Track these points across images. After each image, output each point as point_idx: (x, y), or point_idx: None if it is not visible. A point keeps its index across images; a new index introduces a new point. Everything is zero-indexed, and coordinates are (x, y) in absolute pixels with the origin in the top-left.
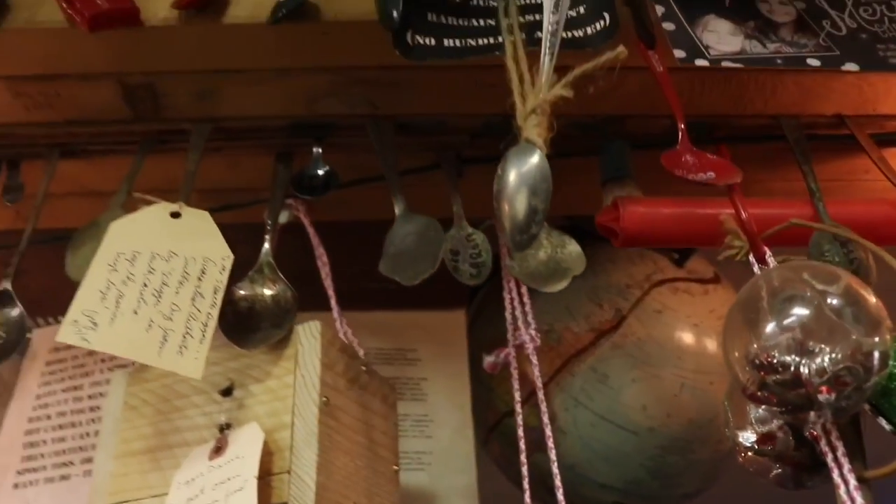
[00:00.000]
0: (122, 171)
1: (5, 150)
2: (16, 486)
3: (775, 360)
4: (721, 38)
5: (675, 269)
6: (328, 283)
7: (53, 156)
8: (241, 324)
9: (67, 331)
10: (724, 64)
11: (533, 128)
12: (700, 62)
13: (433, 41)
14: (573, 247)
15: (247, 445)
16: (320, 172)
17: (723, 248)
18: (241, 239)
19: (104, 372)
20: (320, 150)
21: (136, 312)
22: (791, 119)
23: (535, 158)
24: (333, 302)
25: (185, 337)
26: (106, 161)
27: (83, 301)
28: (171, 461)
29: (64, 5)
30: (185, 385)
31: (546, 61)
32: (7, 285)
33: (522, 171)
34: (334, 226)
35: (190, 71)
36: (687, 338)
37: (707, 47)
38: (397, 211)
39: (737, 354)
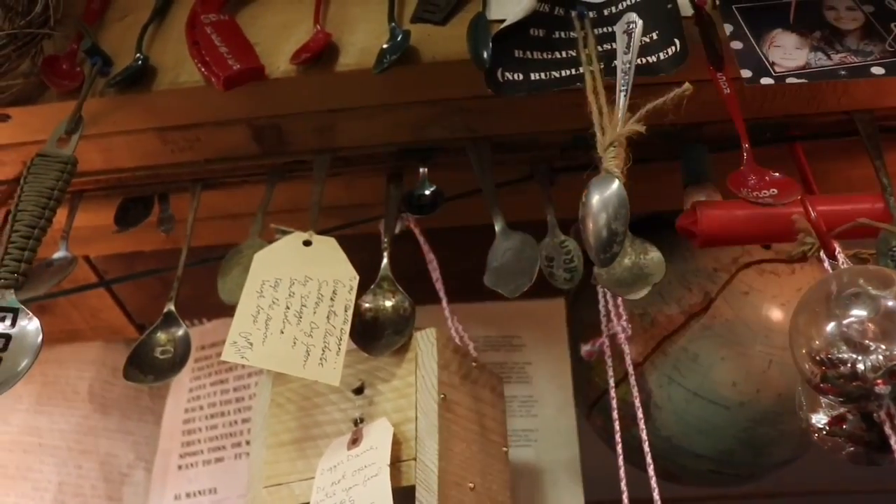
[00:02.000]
0: (253, 197)
1: (156, 187)
2: (179, 467)
3: (834, 357)
4: (787, 52)
5: (761, 252)
6: (439, 286)
7: (196, 189)
8: (367, 332)
9: (229, 351)
10: (789, 81)
11: (612, 160)
12: (765, 81)
13: (521, 76)
14: (655, 254)
15: (379, 437)
16: (427, 192)
17: (796, 246)
18: (356, 248)
19: (244, 367)
20: (426, 171)
21: (282, 332)
22: (864, 114)
23: (615, 187)
24: (444, 301)
25: (323, 350)
26: (240, 190)
27: (239, 325)
28: (315, 450)
29: (202, 69)
30: (322, 385)
31: (621, 98)
32: (171, 307)
33: (604, 197)
34: (440, 231)
35: (309, 112)
36: (774, 316)
37: (772, 64)
38: (497, 227)
39: (803, 351)
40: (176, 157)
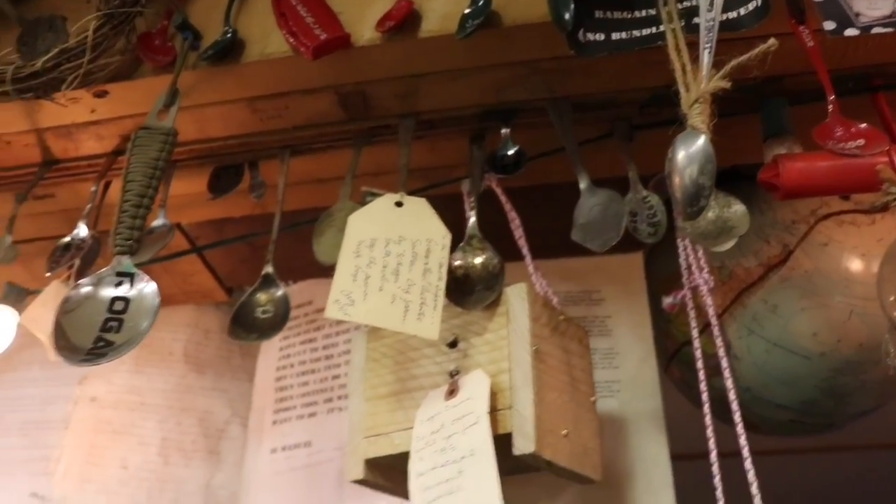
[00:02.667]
0: (339, 162)
1: (246, 155)
2: (274, 422)
3: None
4: (872, 2)
5: (840, 202)
6: (522, 243)
7: (285, 155)
8: (458, 288)
9: (332, 308)
10: (875, 31)
11: (697, 116)
12: (850, 32)
13: (602, 36)
14: (739, 207)
15: (475, 388)
16: (510, 152)
17: (879, 196)
18: (439, 208)
19: (332, 326)
20: (508, 131)
21: (381, 289)
22: None
23: (701, 142)
24: (528, 258)
25: (421, 306)
26: (326, 155)
27: (340, 284)
28: (412, 402)
29: (290, 39)
30: (416, 340)
31: (706, 55)
32: (269, 269)
33: (690, 153)
34: (522, 190)
35: (393, 77)
36: (854, 266)
37: (857, 15)
38: (582, 185)
39: (891, 299)
40: (265, 126)
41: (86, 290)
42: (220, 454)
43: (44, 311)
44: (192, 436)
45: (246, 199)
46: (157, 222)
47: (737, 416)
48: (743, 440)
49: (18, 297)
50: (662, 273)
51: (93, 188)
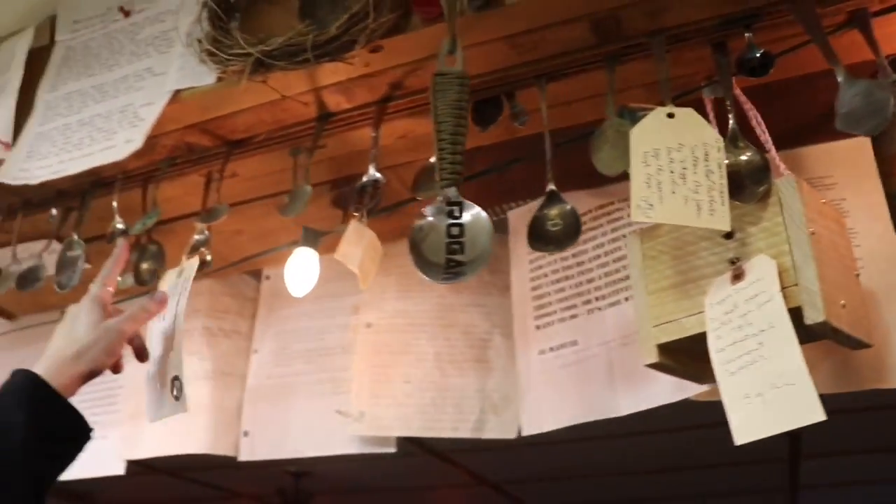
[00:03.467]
0: (587, 83)
1: (504, 87)
2: (537, 327)
3: None
4: None
5: None
6: (765, 138)
7: (542, 83)
8: (731, 185)
9: (636, 212)
10: None
11: None
12: None
13: None
14: None
15: (763, 270)
16: (758, 55)
17: None
18: None
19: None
20: (751, 35)
21: (673, 192)
22: None
23: None
24: (773, 151)
25: (710, 203)
26: (577, 79)
27: (637, 191)
28: (696, 290)
29: None
30: (690, 235)
31: None
32: (552, 186)
33: None
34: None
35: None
36: None
37: None
38: (840, 77)
39: None
40: (521, 58)
41: (428, 220)
42: (488, 362)
43: (351, 247)
44: (460, 348)
45: (495, 130)
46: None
47: None
48: None
49: (315, 238)
50: (892, 153)
51: (373, 134)
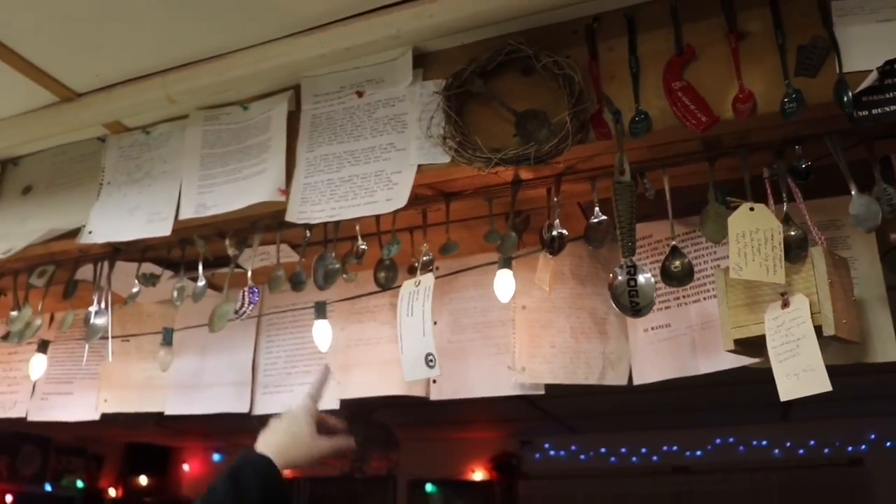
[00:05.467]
0: (692, 171)
1: (638, 169)
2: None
3: None
4: None
5: None
6: (805, 217)
7: (664, 169)
8: (785, 249)
9: (733, 272)
10: None
11: None
12: None
13: None
14: None
15: (800, 302)
16: (803, 165)
17: None
18: None
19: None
20: (800, 148)
21: (753, 259)
22: None
23: None
24: (811, 225)
25: (774, 266)
26: (685, 168)
27: (733, 258)
28: (760, 309)
29: (678, 114)
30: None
31: None
32: (674, 242)
33: None
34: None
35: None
36: None
37: None
38: (852, 192)
39: None
40: (654, 155)
41: (619, 279)
42: (606, 333)
43: (543, 273)
44: (587, 324)
45: None
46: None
47: None
48: None
49: (509, 263)
50: None
51: (555, 198)
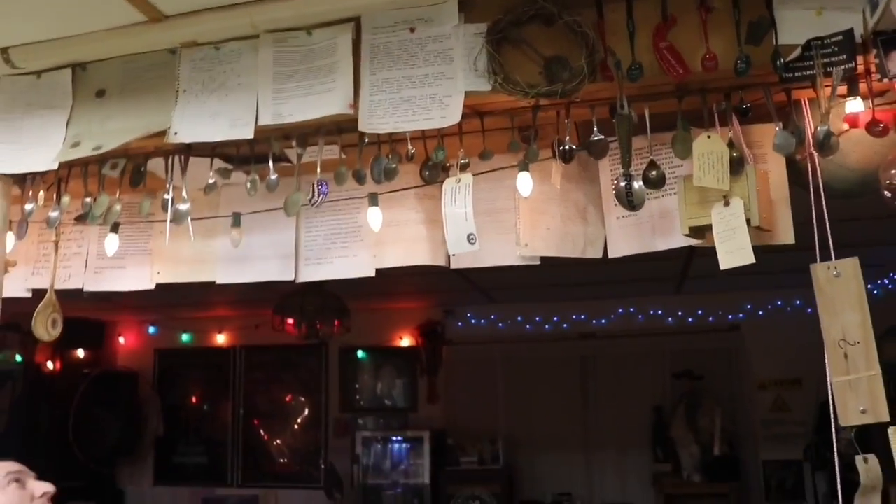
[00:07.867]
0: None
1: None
2: (614, 204)
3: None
4: None
5: None
6: (742, 142)
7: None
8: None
9: (696, 181)
10: None
11: None
12: None
13: None
14: None
15: (737, 202)
16: (745, 105)
17: None
18: None
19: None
20: (742, 93)
21: (709, 173)
22: None
23: None
24: (745, 149)
25: (723, 177)
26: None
27: (696, 171)
28: (709, 206)
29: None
30: None
31: None
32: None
33: None
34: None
35: None
36: None
37: None
38: (777, 127)
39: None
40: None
41: (621, 185)
42: (587, 219)
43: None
44: (573, 211)
45: None
46: None
47: None
48: None
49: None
50: None
51: (566, 120)
